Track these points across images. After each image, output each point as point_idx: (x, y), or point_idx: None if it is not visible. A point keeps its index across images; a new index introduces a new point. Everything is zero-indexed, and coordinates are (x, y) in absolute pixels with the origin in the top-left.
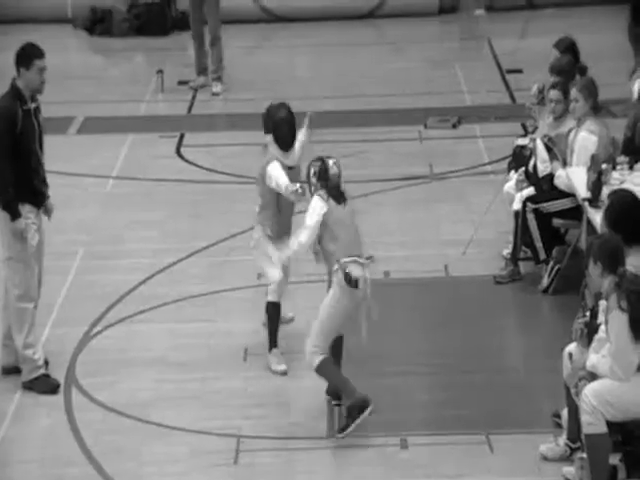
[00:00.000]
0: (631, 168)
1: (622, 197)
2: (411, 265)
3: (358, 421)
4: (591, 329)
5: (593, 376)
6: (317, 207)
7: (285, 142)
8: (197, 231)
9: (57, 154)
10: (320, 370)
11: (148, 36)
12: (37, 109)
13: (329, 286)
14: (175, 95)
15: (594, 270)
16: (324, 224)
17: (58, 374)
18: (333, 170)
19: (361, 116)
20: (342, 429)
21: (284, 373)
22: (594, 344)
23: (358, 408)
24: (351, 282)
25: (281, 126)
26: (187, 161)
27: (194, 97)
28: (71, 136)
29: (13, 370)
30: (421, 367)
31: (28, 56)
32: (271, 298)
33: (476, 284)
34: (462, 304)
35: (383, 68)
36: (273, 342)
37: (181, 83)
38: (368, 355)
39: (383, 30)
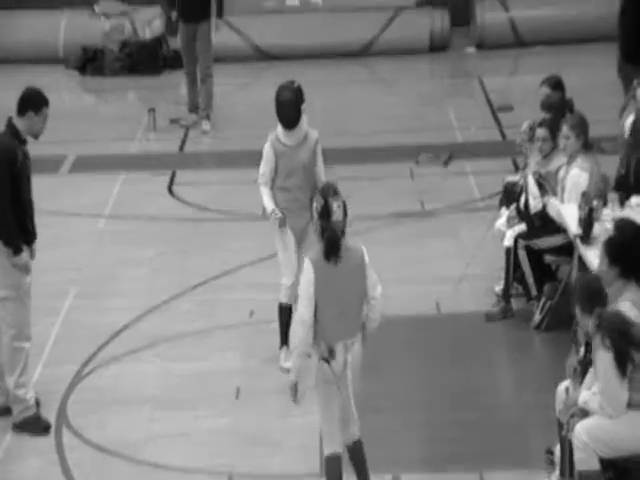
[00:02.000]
0: (622, 204)
1: (626, 228)
2: (403, 302)
3: None
4: (585, 364)
5: (585, 413)
6: (308, 274)
7: (287, 121)
8: (189, 269)
9: (49, 193)
10: (325, 463)
11: (140, 75)
12: (27, 151)
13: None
14: (167, 133)
15: (577, 310)
16: (316, 290)
17: (49, 414)
18: (336, 215)
19: (352, 153)
20: None
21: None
22: (587, 379)
23: None
24: (330, 355)
25: (283, 106)
26: (179, 199)
27: (186, 135)
28: (63, 175)
29: (4, 411)
30: (414, 404)
31: (39, 102)
32: (281, 300)
33: (468, 321)
34: (454, 341)
35: (374, 105)
36: (283, 340)
37: (173, 121)
38: (360, 392)
39: (374, 67)
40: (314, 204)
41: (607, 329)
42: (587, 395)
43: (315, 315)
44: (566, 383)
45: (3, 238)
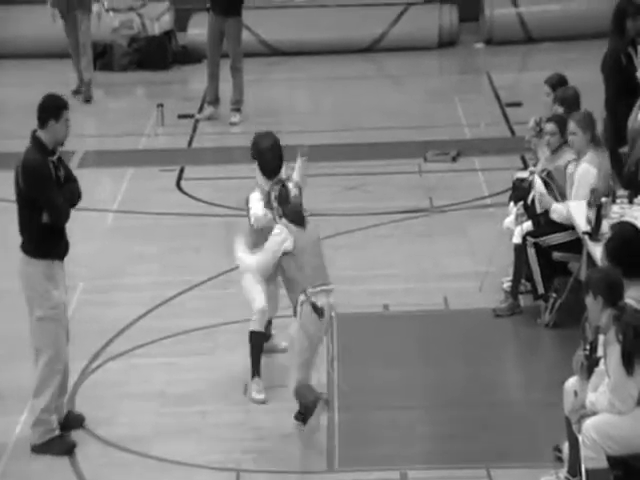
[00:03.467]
0: (631, 202)
1: (624, 229)
2: (411, 298)
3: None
4: (591, 362)
5: (594, 413)
6: (279, 237)
7: (268, 170)
8: (197, 264)
9: None
10: (296, 393)
11: (149, 70)
12: (60, 160)
13: (294, 313)
14: (175, 128)
15: (593, 304)
16: (290, 253)
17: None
18: (293, 192)
19: (361, 149)
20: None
21: (262, 402)
22: (594, 378)
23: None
24: (317, 311)
25: (265, 154)
26: (187, 194)
27: (194, 130)
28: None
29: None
30: (421, 400)
31: (57, 107)
32: (253, 327)
33: (476, 317)
34: (462, 337)
35: (383, 101)
36: (255, 370)
37: (181, 117)
38: (368, 388)
39: (383, 63)
40: (271, 194)
41: (625, 324)
42: (594, 396)
43: (296, 275)
44: (573, 380)
45: (62, 219)
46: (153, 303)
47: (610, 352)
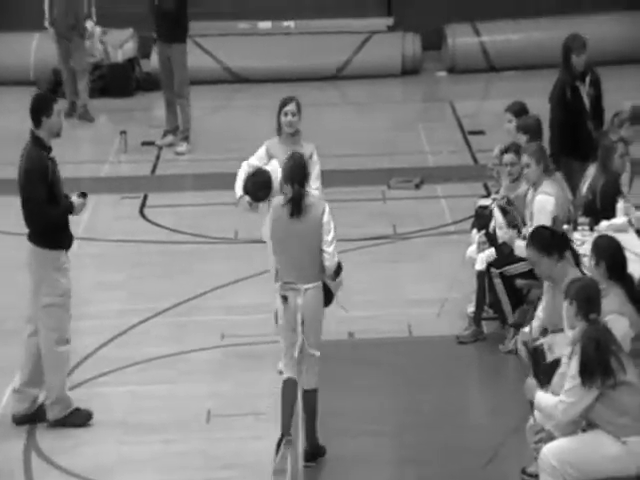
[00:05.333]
0: (592, 229)
1: (605, 241)
2: (375, 325)
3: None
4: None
5: (552, 437)
6: (268, 220)
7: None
8: (161, 292)
9: (19, 215)
10: (282, 384)
11: (112, 97)
12: (54, 158)
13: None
14: (139, 156)
15: (569, 309)
16: (273, 237)
17: (18, 438)
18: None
19: (325, 176)
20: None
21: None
22: (555, 378)
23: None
24: (284, 300)
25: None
26: (150, 222)
27: (158, 157)
28: None
29: (25, 419)
30: (385, 426)
31: (46, 103)
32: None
33: (439, 344)
34: (426, 364)
35: (346, 128)
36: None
37: (145, 144)
38: (333, 413)
39: (346, 91)
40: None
41: (588, 336)
42: (542, 394)
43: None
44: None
45: (54, 224)
46: (117, 331)
47: (573, 361)
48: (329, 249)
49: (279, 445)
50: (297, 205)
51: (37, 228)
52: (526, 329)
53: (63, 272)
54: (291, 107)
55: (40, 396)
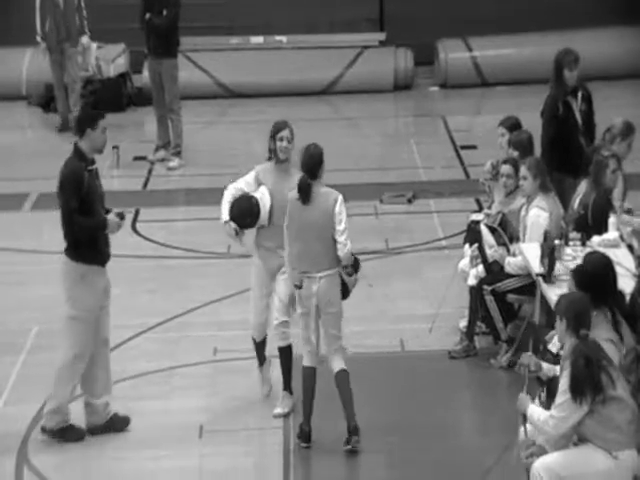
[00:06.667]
0: (584, 244)
1: (594, 258)
2: (367, 340)
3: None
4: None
5: (543, 451)
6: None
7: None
8: (153, 307)
9: (11, 231)
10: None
11: (104, 112)
12: (96, 171)
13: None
14: (131, 170)
15: (560, 325)
16: (288, 226)
17: (10, 454)
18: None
19: None
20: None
21: (279, 416)
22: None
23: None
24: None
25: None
26: (142, 236)
27: (150, 172)
28: (25, 212)
29: (98, 430)
30: (376, 444)
31: (92, 117)
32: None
33: (431, 359)
34: (418, 379)
35: (339, 143)
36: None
37: (137, 159)
38: (324, 431)
39: (339, 106)
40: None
41: (578, 352)
42: (534, 407)
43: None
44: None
45: (87, 236)
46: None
47: (564, 376)
48: (341, 238)
49: (302, 431)
50: (305, 193)
51: (71, 239)
52: (528, 353)
53: (91, 288)
54: (286, 133)
55: (110, 404)
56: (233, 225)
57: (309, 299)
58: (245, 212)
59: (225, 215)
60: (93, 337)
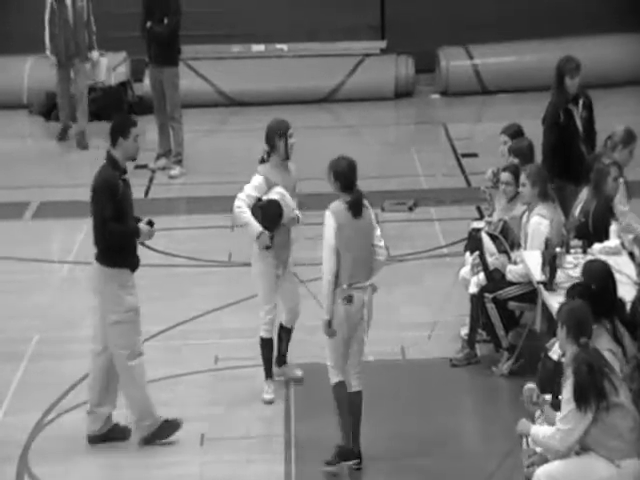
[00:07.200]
0: (585, 252)
1: (593, 270)
2: (368, 347)
3: (334, 469)
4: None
5: (545, 460)
6: (330, 224)
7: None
8: (155, 315)
9: (12, 239)
10: (334, 390)
11: (105, 120)
12: (128, 180)
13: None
14: (132, 179)
15: (560, 333)
16: (340, 240)
17: (10, 463)
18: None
19: (318, 199)
20: (327, 463)
21: (270, 402)
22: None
23: (343, 455)
24: (348, 300)
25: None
26: (144, 245)
27: (151, 181)
28: (26, 221)
29: (97, 439)
30: (379, 451)
31: (125, 125)
32: (263, 334)
33: (433, 367)
34: (419, 387)
35: (340, 151)
36: (268, 373)
37: (138, 167)
38: (325, 439)
39: (340, 114)
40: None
41: (580, 359)
42: (537, 427)
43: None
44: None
45: (119, 243)
46: None
47: (566, 386)
48: (382, 243)
49: (342, 458)
50: (359, 205)
51: (102, 245)
52: (531, 384)
53: (128, 289)
54: (292, 130)
55: (113, 414)
56: (268, 234)
57: (359, 311)
58: (276, 218)
59: (257, 227)
60: (138, 332)
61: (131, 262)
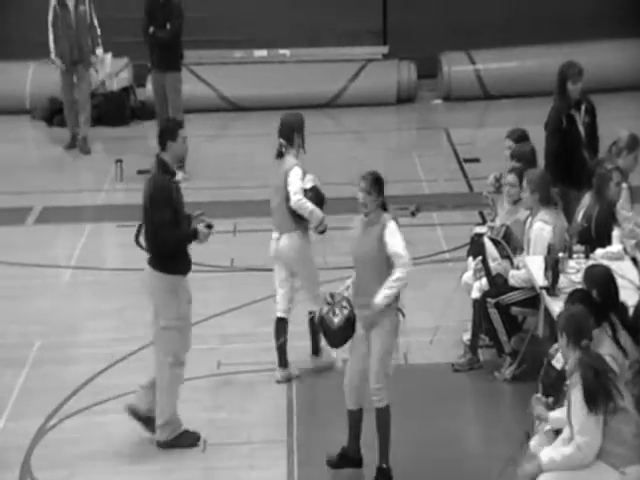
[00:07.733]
0: (587, 257)
1: (595, 275)
2: None
3: None
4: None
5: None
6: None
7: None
8: None
9: (15, 244)
10: (385, 412)
11: (107, 126)
12: (178, 183)
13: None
14: (134, 184)
15: (561, 341)
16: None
17: (13, 469)
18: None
19: None
20: None
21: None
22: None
23: (385, 476)
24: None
25: None
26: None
27: None
28: (29, 226)
29: (136, 416)
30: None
31: (172, 128)
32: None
33: (435, 372)
34: (421, 392)
35: (342, 156)
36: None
37: (141, 172)
38: (327, 444)
39: (342, 119)
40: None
41: (585, 365)
42: (550, 450)
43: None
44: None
45: (175, 248)
46: (111, 359)
47: (574, 393)
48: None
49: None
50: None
51: (159, 250)
52: (538, 395)
53: (181, 296)
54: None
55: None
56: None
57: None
58: (322, 202)
59: (320, 212)
60: (186, 341)
61: (182, 267)
